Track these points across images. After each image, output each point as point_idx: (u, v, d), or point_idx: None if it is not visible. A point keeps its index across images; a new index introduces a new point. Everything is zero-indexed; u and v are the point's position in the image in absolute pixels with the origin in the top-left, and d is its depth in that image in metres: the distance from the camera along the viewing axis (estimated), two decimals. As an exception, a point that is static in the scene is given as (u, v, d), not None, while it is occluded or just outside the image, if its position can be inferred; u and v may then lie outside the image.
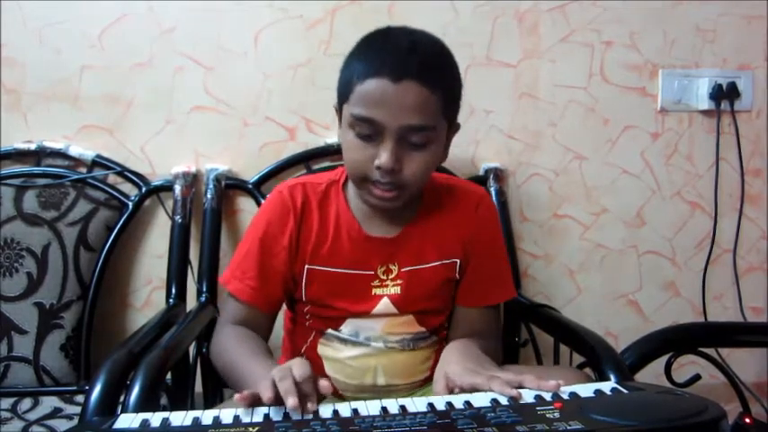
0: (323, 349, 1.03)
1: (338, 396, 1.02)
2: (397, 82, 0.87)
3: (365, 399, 0.99)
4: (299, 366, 0.78)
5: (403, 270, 1.01)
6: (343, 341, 1.02)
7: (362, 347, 1.01)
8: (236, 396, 0.75)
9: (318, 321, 1.03)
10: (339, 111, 0.97)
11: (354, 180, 0.96)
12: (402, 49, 0.90)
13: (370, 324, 1.01)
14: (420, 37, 0.94)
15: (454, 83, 0.96)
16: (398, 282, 1.00)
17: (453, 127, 0.99)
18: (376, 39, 0.95)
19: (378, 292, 1.00)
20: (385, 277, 1.00)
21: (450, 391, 0.83)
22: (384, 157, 0.89)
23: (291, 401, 0.72)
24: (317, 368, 1.00)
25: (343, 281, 1.00)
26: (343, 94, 0.94)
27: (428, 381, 1.03)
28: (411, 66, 0.88)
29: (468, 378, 0.82)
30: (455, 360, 0.89)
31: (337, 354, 1.02)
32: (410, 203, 1.00)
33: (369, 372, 1.01)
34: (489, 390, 0.77)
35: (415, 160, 0.91)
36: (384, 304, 1.00)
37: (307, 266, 1.00)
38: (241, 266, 1.02)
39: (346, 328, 1.02)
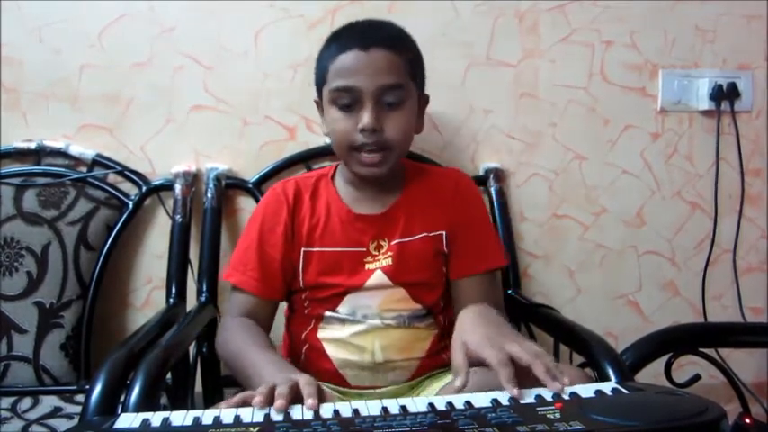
0: (323, 332, 1.07)
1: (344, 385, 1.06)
2: (366, 50, 0.99)
3: (365, 375, 1.04)
4: (304, 379, 0.79)
5: (393, 243, 1.06)
6: (342, 321, 1.06)
7: (360, 325, 1.05)
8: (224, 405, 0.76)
9: (317, 305, 1.07)
10: (320, 100, 1.07)
11: (342, 151, 1.04)
12: (366, 26, 1.05)
13: (367, 302, 1.05)
14: (381, 20, 1.08)
15: (417, 51, 1.08)
16: (389, 254, 1.06)
17: (423, 97, 1.09)
18: (341, 28, 1.08)
19: (370, 266, 1.06)
20: (377, 252, 1.07)
21: (470, 363, 0.80)
22: (365, 117, 0.99)
23: (278, 402, 0.73)
24: (318, 352, 1.06)
25: (338, 258, 1.06)
26: (321, 79, 1.05)
27: (426, 369, 1.07)
28: (376, 36, 1.02)
29: (487, 351, 0.78)
30: (473, 327, 0.85)
31: (336, 333, 1.06)
32: (394, 182, 1.09)
33: (367, 348, 1.04)
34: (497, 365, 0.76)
35: (394, 119, 1.01)
36: (377, 276, 1.05)
37: (303, 249, 1.07)
38: (242, 260, 1.08)
39: (344, 308, 1.06)
